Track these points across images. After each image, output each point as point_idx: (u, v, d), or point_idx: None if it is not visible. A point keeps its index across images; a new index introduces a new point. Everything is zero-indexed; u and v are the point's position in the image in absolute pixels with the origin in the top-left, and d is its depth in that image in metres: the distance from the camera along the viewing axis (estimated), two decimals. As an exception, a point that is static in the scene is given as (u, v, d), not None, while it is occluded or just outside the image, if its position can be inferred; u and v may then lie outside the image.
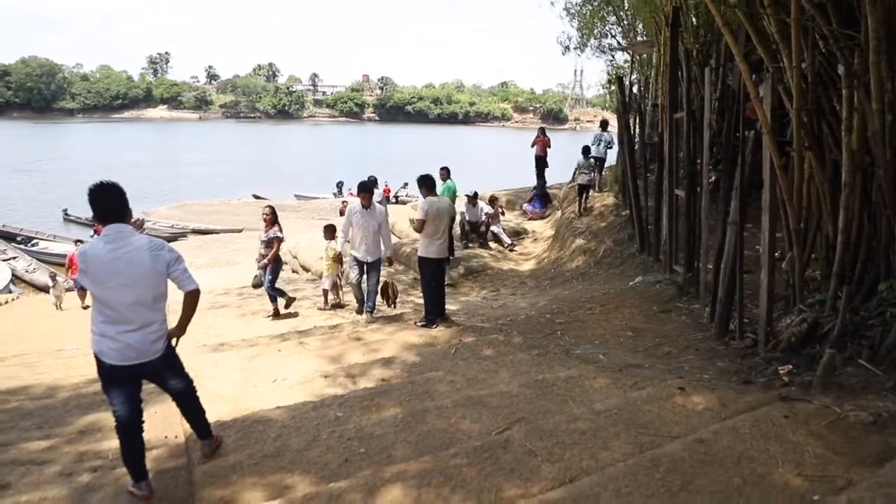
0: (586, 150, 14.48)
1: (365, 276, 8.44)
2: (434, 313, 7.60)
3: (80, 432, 4.79)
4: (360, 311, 8.78)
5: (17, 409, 5.58)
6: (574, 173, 14.26)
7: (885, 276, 4.69)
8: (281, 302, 9.79)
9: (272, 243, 9.43)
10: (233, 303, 11.14)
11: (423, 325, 7.50)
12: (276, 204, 33.11)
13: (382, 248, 8.36)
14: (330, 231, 10.33)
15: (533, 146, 17.46)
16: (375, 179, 14.55)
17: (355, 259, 8.27)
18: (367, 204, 8.12)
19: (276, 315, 9.59)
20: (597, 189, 14.51)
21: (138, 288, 3.52)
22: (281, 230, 9.56)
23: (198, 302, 3.82)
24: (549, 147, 17.76)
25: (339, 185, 35.99)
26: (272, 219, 9.46)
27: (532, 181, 18.16)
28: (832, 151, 5.22)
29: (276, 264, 9.57)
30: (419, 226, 7.51)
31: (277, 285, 9.83)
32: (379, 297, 8.71)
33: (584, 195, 13.65)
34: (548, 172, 17.67)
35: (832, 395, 4.01)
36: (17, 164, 48.17)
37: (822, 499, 2.88)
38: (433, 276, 7.70)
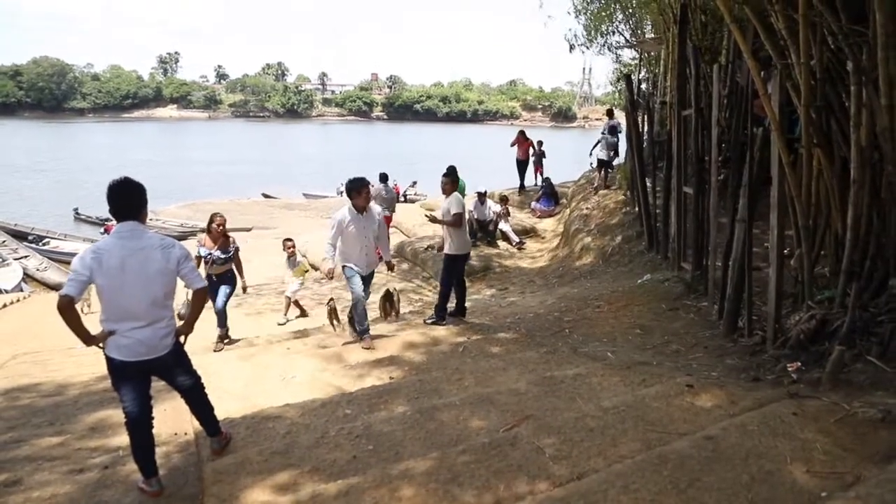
0: (612, 130, 15.53)
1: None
2: (445, 310, 7.59)
3: (90, 429, 4.83)
4: (365, 335, 6.83)
5: (28, 405, 5.63)
6: (596, 147, 15.49)
7: (895, 273, 4.67)
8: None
9: (233, 258, 7.84)
10: (241, 301, 11.18)
11: (433, 322, 7.47)
12: (285, 202, 33.57)
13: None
14: (290, 245, 9.89)
15: (513, 146, 17.71)
16: (386, 175, 14.56)
17: (351, 269, 6.72)
18: (363, 206, 6.63)
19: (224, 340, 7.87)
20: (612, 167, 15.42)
21: (150, 285, 3.56)
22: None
23: (206, 300, 3.86)
24: (535, 150, 18.02)
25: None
26: (225, 230, 7.77)
27: (536, 180, 18.21)
28: (841, 148, 5.19)
29: (234, 281, 8.03)
30: (459, 220, 7.36)
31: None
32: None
33: (604, 170, 14.94)
34: (557, 171, 17.74)
35: (841, 391, 4.00)
36: (28, 163, 48.51)
37: (830, 495, 2.87)
38: (460, 272, 7.69)
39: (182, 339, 3.88)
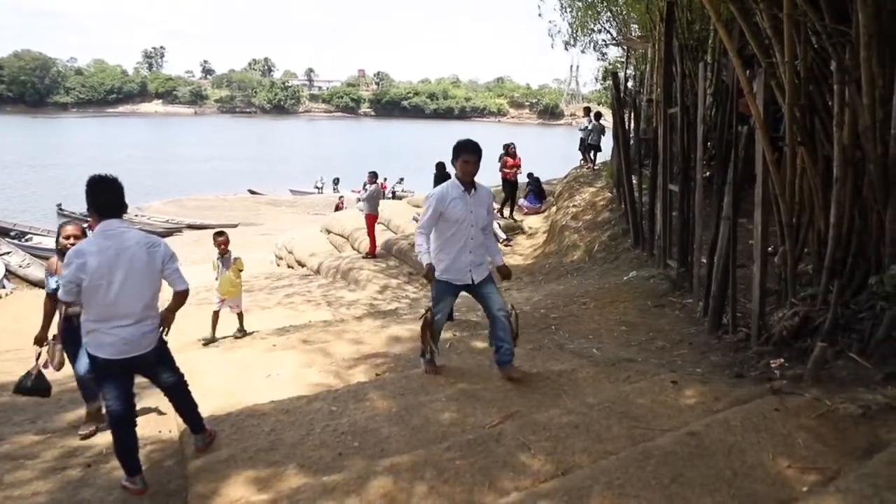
0: (598, 115, 16.89)
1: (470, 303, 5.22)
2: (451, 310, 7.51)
3: (73, 427, 4.79)
4: (431, 364, 5.28)
5: (9, 403, 5.57)
6: (586, 137, 17.05)
7: (876, 270, 4.72)
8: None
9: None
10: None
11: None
12: (271, 199, 33.46)
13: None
14: (221, 241, 7.78)
15: (502, 169, 15.00)
16: (376, 173, 14.47)
17: (447, 285, 4.94)
18: (471, 179, 4.81)
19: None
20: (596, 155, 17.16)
21: (135, 284, 3.54)
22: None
23: (186, 300, 3.88)
24: (519, 165, 15.36)
25: (336, 181, 35.93)
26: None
27: (522, 178, 18.01)
28: (824, 147, 5.24)
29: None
30: None
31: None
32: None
33: (592, 154, 16.99)
34: (544, 168, 17.67)
35: (822, 387, 4.04)
36: (10, 158, 47.91)
37: (811, 490, 2.91)
38: None
39: (164, 331, 3.87)
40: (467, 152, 4.70)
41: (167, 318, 3.86)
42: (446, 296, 5.00)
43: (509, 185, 15.26)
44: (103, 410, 4.57)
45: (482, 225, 4.88)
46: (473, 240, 4.82)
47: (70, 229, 4.75)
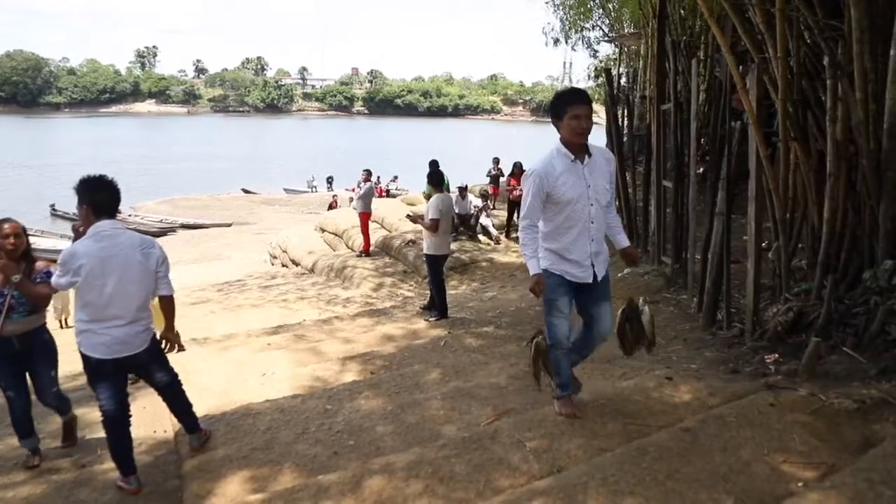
0: None
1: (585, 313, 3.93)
2: (445, 307, 7.61)
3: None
4: (566, 401, 3.88)
5: (1, 404, 5.54)
6: None
7: (869, 265, 4.73)
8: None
9: (42, 290, 4.01)
10: (221, 298, 11.09)
11: (437, 319, 7.45)
12: (265, 198, 33.39)
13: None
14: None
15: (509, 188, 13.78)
16: (370, 171, 14.42)
17: (560, 279, 3.67)
18: (583, 135, 3.48)
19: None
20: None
21: (128, 286, 3.53)
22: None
23: (174, 307, 3.90)
24: (493, 167, 15.62)
25: (330, 179, 35.92)
26: (28, 246, 4.15)
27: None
28: (817, 142, 5.25)
29: (51, 347, 4.29)
30: (434, 225, 7.31)
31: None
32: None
33: None
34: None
35: (817, 383, 4.05)
36: (5, 159, 47.62)
37: (806, 485, 2.91)
38: (441, 271, 7.71)
39: (166, 345, 3.89)
40: (575, 103, 3.45)
41: (170, 338, 3.88)
42: (562, 293, 3.69)
43: (515, 205, 13.45)
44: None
45: (605, 201, 3.64)
46: (595, 223, 3.61)
47: (7, 228, 3.99)
